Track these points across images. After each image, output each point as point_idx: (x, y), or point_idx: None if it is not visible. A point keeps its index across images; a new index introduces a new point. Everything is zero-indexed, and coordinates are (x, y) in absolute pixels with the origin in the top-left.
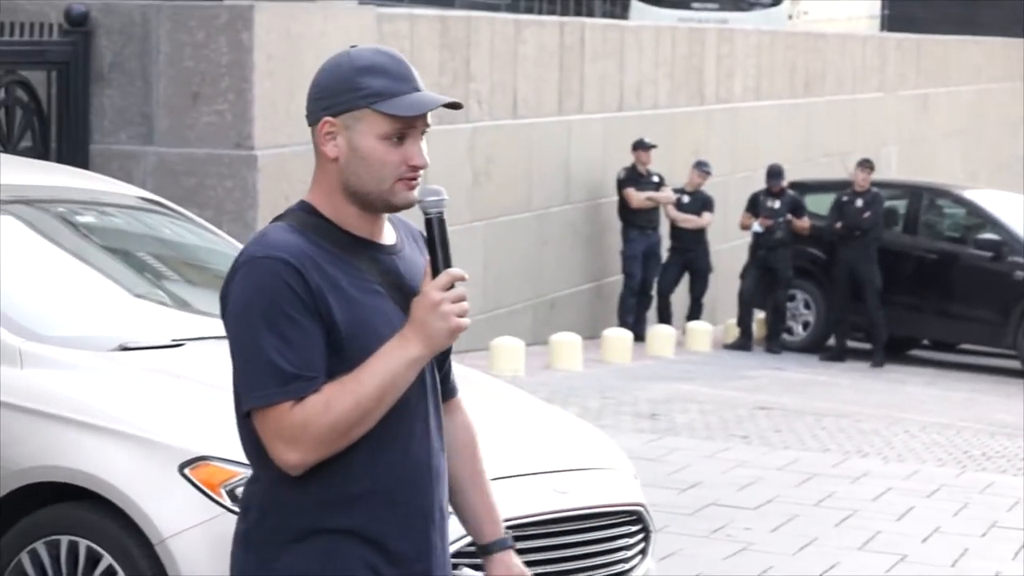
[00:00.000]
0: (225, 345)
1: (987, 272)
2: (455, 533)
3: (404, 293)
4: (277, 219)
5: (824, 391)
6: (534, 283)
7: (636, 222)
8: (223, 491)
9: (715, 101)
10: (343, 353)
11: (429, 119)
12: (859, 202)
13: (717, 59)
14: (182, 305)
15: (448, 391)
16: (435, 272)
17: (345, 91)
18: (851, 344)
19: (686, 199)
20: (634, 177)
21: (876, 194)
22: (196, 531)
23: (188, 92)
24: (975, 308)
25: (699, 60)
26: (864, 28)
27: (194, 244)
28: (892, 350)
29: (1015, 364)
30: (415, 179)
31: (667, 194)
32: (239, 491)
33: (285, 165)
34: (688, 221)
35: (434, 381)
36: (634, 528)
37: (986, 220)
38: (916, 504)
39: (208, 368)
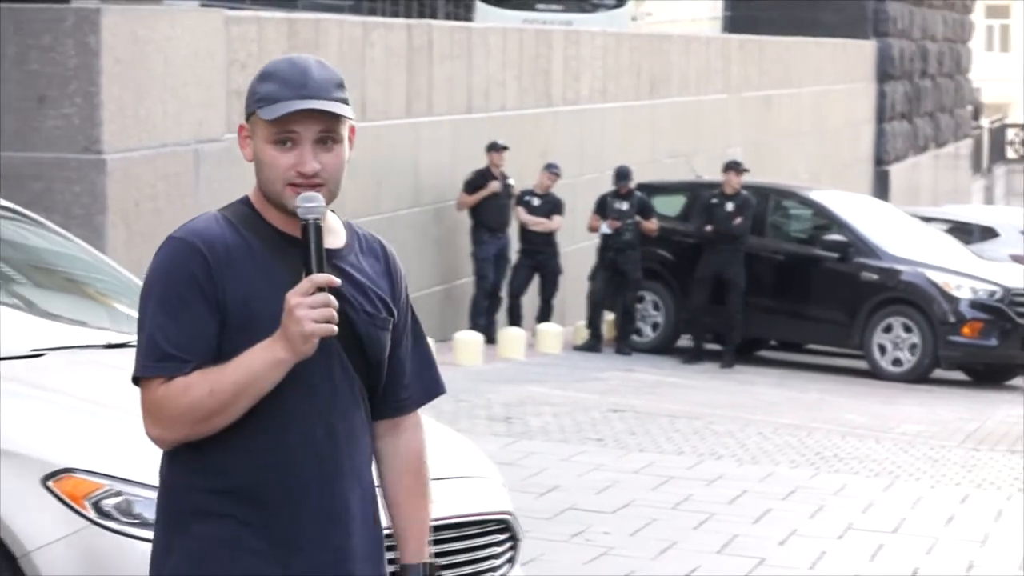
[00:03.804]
0: (86, 355)
1: (834, 273)
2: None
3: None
4: (221, 209)
5: (675, 392)
6: None
7: (486, 224)
8: (87, 504)
9: (562, 103)
10: (239, 343)
11: (342, 129)
12: (729, 205)
13: (564, 61)
14: (41, 313)
15: (395, 408)
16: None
17: (249, 96)
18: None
19: (536, 201)
20: (487, 178)
21: (747, 198)
22: (60, 544)
23: (34, 95)
24: (822, 309)
25: (546, 62)
26: (707, 29)
27: (49, 250)
28: (740, 350)
29: (862, 364)
30: (309, 185)
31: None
32: (104, 503)
33: (134, 169)
34: (539, 224)
35: (351, 386)
36: (503, 536)
37: (832, 221)
38: (772, 507)
39: (70, 379)
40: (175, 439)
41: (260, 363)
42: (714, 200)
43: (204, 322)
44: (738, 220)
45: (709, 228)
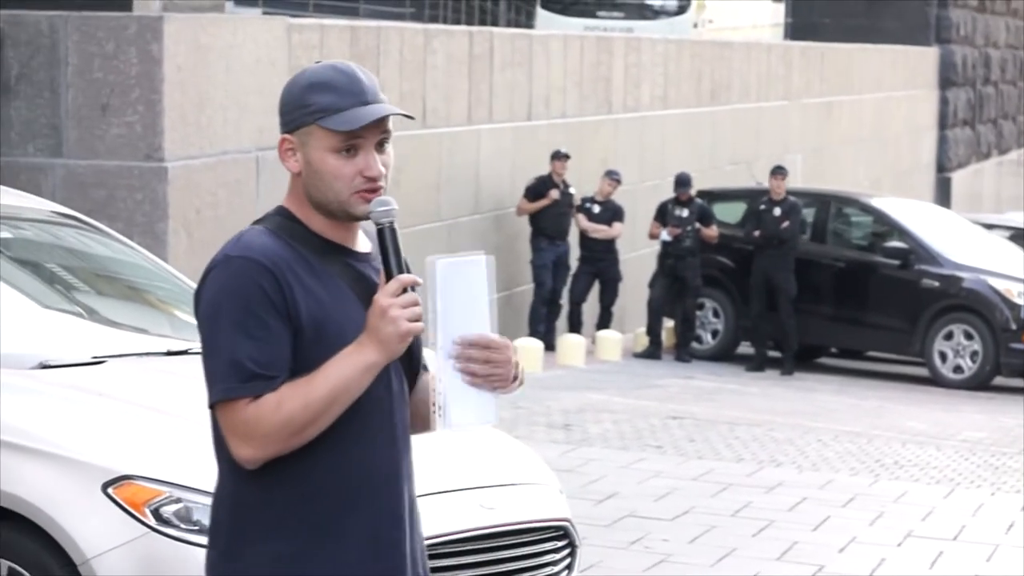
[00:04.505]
0: (146, 362)
1: (894, 280)
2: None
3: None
4: (256, 222)
5: (735, 400)
6: None
7: (545, 231)
8: (147, 510)
9: (623, 110)
10: (311, 355)
11: (391, 126)
12: (777, 211)
13: (625, 68)
14: (102, 320)
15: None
16: (388, 280)
17: (296, 108)
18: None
19: (596, 208)
20: (548, 185)
21: (794, 203)
22: (120, 551)
23: (97, 103)
24: (883, 316)
25: (607, 69)
26: (768, 36)
27: (111, 258)
28: (800, 357)
29: (922, 371)
30: (374, 189)
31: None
32: (164, 510)
33: (195, 177)
34: (599, 231)
35: (402, 385)
36: (561, 543)
37: (893, 228)
38: (832, 514)
39: (130, 386)
40: (267, 456)
41: (351, 369)
42: (762, 205)
43: (281, 337)
44: (785, 224)
45: (757, 233)
